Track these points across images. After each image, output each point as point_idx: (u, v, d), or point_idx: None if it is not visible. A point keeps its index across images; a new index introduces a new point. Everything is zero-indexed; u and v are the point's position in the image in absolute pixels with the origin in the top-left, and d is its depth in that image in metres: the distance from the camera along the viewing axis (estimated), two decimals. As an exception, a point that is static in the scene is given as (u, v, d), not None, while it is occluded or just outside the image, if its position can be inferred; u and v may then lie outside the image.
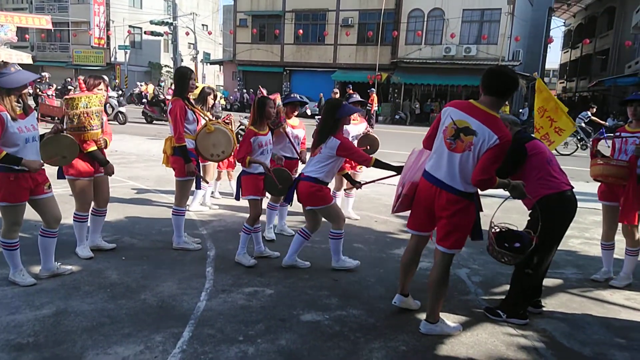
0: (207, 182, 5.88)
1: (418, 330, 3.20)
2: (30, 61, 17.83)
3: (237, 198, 4.43)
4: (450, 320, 3.35)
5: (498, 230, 3.23)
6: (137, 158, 9.78)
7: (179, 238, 4.61)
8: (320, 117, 4.43)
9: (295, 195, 4.14)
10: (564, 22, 42.46)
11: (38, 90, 18.19)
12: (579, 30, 38.97)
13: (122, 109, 16.91)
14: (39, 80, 18.94)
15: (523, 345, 3.14)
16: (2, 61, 3.36)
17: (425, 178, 3.11)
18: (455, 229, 3.02)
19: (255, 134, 4.21)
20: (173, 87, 4.97)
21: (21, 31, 12.96)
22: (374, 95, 19.33)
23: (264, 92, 4.91)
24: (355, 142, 5.59)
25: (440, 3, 26.49)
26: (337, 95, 12.13)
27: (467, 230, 3.08)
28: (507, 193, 3.12)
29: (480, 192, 3.07)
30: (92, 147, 4.13)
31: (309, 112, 23.57)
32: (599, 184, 4.24)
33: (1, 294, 3.46)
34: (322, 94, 25.73)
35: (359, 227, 5.70)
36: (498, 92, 2.93)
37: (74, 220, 4.28)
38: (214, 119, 5.03)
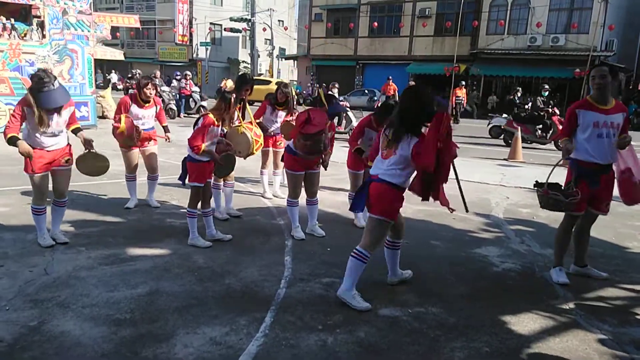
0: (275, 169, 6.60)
1: (501, 332, 3.09)
2: (122, 57, 19.21)
3: (184, 183, 4.57)
4: (537, 323, 3.22)
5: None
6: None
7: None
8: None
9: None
10: (666, 8, 38.50)
11: (128, 84, 19.53)
12: (684, 17, 35.23)
13: (204, 103, 17.70)
14: (130, 76, 20.46)
15: (618, 354, 2.92)
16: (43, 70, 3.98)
17: None
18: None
19: (214, 124, 4.37)
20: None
21: (113, 29, 13.99)
22: (459, 89, 18.97)
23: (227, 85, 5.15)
24: None
25: (525, -9, 25.10)
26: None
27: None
28: None
29: None
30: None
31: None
32: None
33: (101, 272, 3.76)
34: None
35: (436, 224, 5.55)
36: None
37: None
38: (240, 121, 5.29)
